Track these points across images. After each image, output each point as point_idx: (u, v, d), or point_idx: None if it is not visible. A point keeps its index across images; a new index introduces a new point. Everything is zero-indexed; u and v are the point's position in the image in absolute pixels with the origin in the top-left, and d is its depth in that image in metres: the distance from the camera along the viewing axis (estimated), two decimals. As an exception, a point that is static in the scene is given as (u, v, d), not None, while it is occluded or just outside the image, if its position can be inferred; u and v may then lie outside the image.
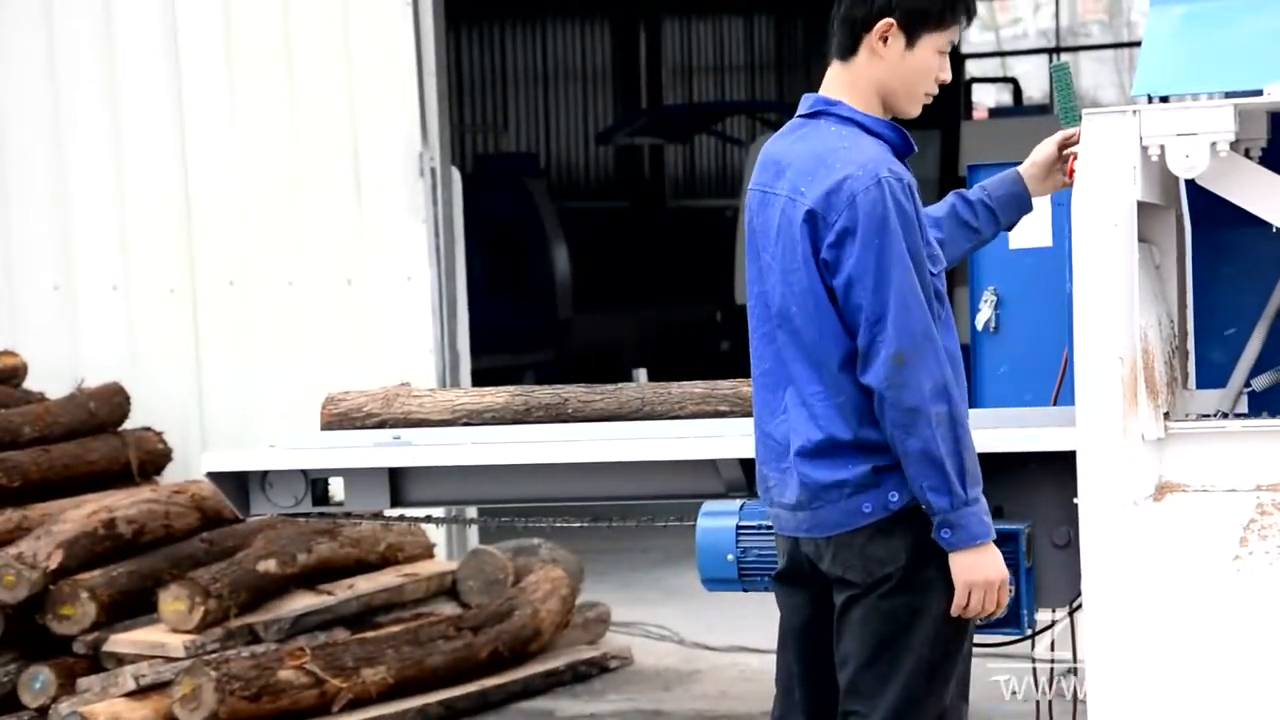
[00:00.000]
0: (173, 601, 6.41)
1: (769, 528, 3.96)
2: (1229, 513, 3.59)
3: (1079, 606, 3.75)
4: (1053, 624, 4.38)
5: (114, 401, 7.52)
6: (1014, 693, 6.34)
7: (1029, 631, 4.00)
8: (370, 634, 6.69)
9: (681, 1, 18.29)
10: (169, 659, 6.34)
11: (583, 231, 15.29)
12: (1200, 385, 4.11)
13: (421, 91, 7.74)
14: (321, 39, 7.81)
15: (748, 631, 7.58)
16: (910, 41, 3.51)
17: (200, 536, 6.88)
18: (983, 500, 3.44)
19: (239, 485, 4.56)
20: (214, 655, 6.28)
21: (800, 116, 3.58)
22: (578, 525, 4.79)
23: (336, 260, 7.94)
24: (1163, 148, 3.62)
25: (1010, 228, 3.96)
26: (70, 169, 8.20)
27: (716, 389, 4.40)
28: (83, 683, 6.37)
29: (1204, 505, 3.62)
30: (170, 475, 7.54)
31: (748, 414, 4.12)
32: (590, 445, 4.29)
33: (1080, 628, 3.71)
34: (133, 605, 6.56)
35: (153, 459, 7.50)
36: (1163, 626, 3.55)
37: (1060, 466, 3.71)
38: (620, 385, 4.51)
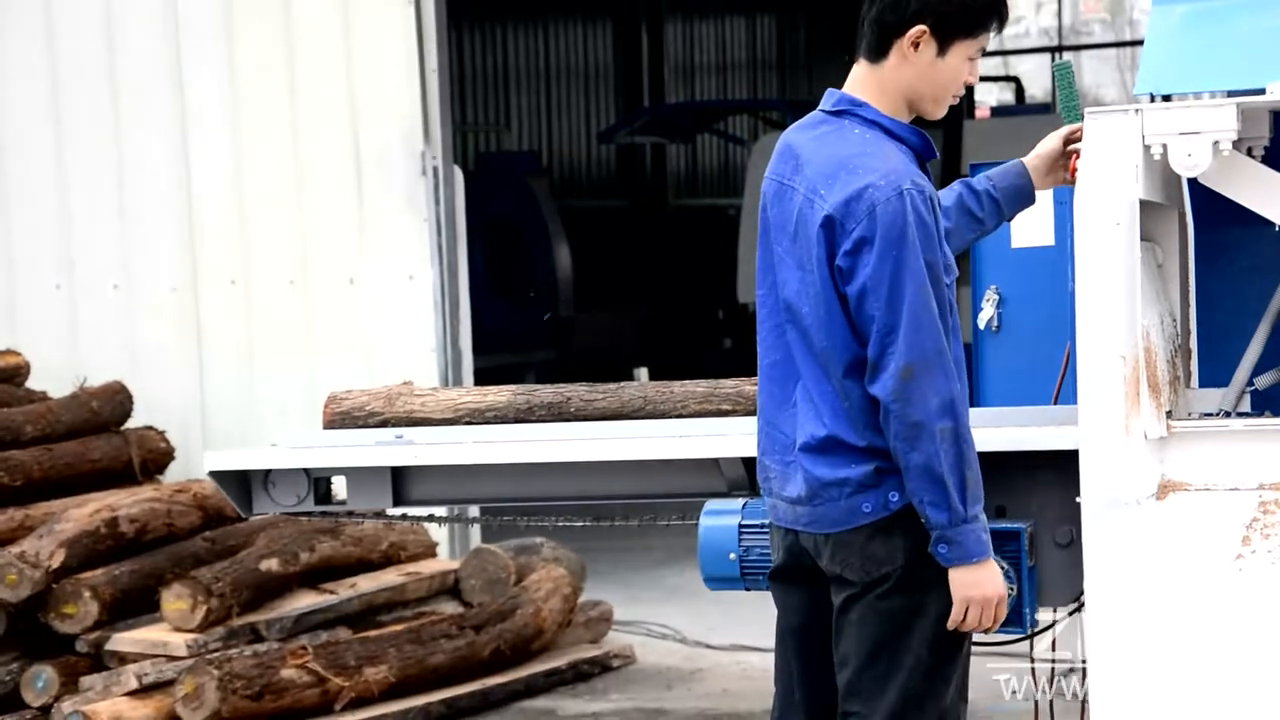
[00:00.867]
0: (175, 600, 6.41)
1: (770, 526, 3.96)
2: (1232, 512, 3.59)
3: (1081, 606, 3.75)
4: (1054, 623, 4.38)
5: (116, 400, 7.52)
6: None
7: (1030, 631, 4.00)
8: (372, 633, 6.69)
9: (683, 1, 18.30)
10: (171, 658, 6.34)
11: (585, 230, 15.29)
12: (1203, 384, 4.10)
13: (424, 90, 7.74)
14: (323, 37, 7.81)
15: (750, 630, 7.59)
16: (942, 49, 3.50)
17: (202, 535, 6.88)
18: (983, 518, 3.44)
19: (241, 484, 4.56)
20: (216, 654, 6.28)
21: (823, 111, 3.56)
22: (580, 524, 4.79)
23: (338, 259, 7.94)
24: (1165, 147, 3.61)
25: (1012, 219, 3.96)
26: (71, 168, 8.21)
27: (719, 388, 4.41)
28: (85, 681, 6.37)
29: (1206, 504, 3.61)
30: (172, 474, 7.55)
31: (750, 413, 4.12)
32: (592, 444, 4.29)
33: (1082, 627, 3.71)
34: (135, 604, 6.57)
35: (155, 458, 7.50)
36: (1165, 626, 3.55)
37: (1062, 465, 3.71)
38: (622, 384, 4.51)
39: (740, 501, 4.12)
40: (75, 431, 7.30)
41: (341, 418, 4.60)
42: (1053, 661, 4.83)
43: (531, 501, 4.52)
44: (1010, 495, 3.90)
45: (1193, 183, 3.83)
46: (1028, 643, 4.35)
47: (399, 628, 6.75)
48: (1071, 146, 3.86)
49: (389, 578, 7.10)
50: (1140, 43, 4.02)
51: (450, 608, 7.14)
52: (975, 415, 4.10)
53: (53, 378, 7.64)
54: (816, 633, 3.58)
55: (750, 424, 3.75)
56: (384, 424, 4.53)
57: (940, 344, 3.39)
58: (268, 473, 4.53)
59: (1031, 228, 4.35)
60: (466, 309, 7.99)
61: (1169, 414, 3.74)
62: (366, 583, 7.01)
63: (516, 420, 4.46)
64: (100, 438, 7.36)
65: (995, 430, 3.92)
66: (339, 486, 4.61)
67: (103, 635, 6.48)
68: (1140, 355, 3.61)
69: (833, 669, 3.54)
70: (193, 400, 8.02)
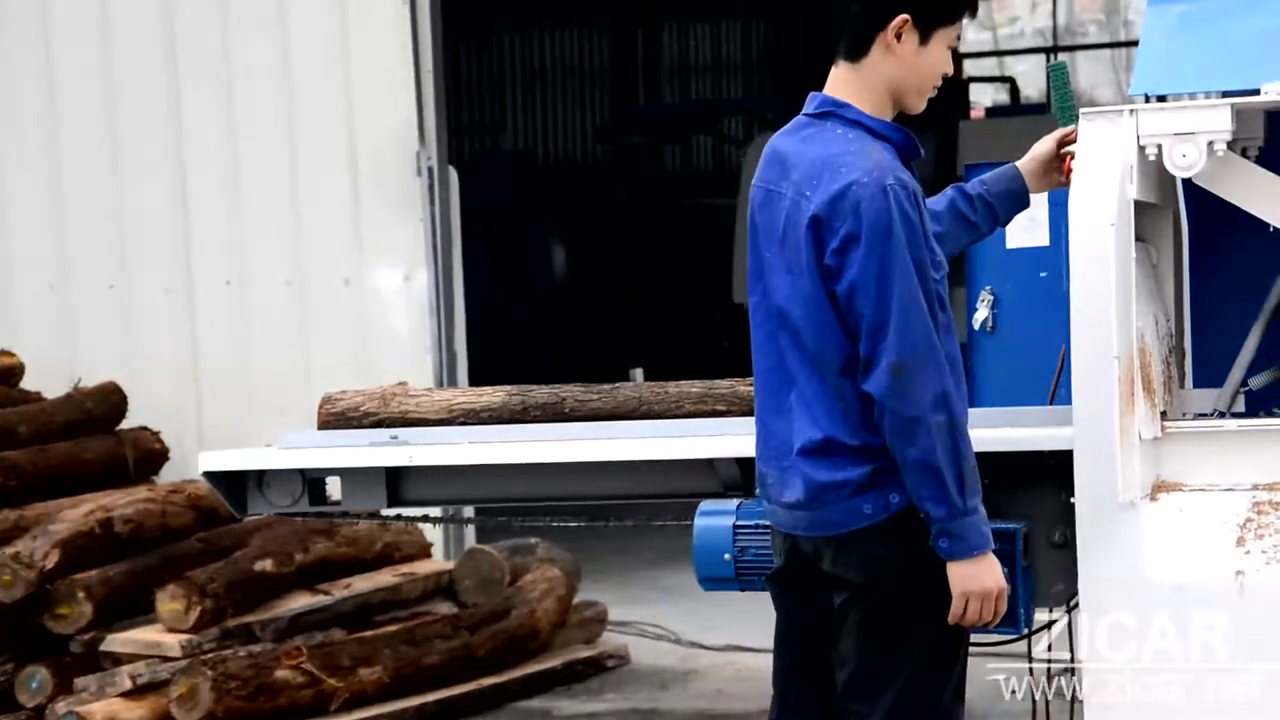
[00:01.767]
0: (169, 601, 6.40)
1: (766, 527, 3.96)
2: (1226, 512, 3.59)
3: (1076, 606, 3.75)
4: (1050, 623, 4.38)
5: (111, 401, 7.51)
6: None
7: (1026, 631, 4.00)
8: (367, 633, 6.68)
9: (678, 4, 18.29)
10: (165, 658, 6.33)
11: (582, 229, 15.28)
12: (1197, 385, 4.11)
13: (419, 91, 7.73)
14: (319, 39, 7.80)
15: (744, 631, 7.58)
16: (924, 38, 3.51)
17: (197, 536, 6.87)
18: (981, 510, 3.44)
19: (236, 485, 4.56)
20: (210, 655, 6.27)
21: (806, 115, 3.57)
22: (574, 524, 4.79)
23: (334, 259, 7.93)
24: (1160, 147, 3.62)
25: (1007, 223, 3.96)
26: (66, 169, 8.20)
27: (714, 388, 4.40)
28: (79, 682, 6.36)
29: (1201, 504, 3.61)
30: (167, 475, 7.54)
31: (745, 413, 4.12)
32: (587, 444, 4.29)
33: (1077, 627, 3.71)
34: (129, 605, 6.56)
35: (149, 458, 7.50)
36: (1159, 626, 3.55)
37: (1058, 466, 3.71)
38: (617, 384, 4.51)
39: (735, 502, 4.12)
40: (70, 432, 7.29)
41: (336, 418, 4.60)
42: (1049, 661, 4.83)
43: (526, 502, 4.52)
44: (1005, 496, 3.90)
45: (1187, 183, 3.84)
46: (1025, 642, 4.35)
47: (394, 628, 6.75)
48: (1065, 149, 3.86)
49: (384, 578, 7.10)
50: (1135, 43, 4.03)
51: (445, 608, 7.13)
52: (971, 415, 4.10)
53: (48, 378, 7.63)
54: (816, 635, 3.58)
55: (745, 424, 3.74)
56: (379, 424, 4.53)
57: (931, 339, 3.39)
58: (262, 473, 4.53)
59: (1026, 229, 4.36)
60: (462, 310, 7.98)
61: (1163, 414, 3.74)
62: (361, 583, 7.00)
63: (511, 420, 4.46)
64: (95, 438, 7.35)
65: (990, 430, 3.92)
66: (333, 487, 4.60)
67: (97, 636, 6.47)
68: (1135, 356, 3.61)
69: (831, 671, 3.54)
70: (188, 401, 8.02)
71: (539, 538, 7.56)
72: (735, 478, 4.18)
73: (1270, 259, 3.83)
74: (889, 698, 3.46)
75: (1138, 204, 3.66)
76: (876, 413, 3.39)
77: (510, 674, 6.92)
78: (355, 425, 4.55)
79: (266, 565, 6.66)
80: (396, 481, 4.49)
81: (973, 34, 21.85)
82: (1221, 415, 3.90)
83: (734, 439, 4.14)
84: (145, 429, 7.57)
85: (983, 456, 3.80)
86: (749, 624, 7.65)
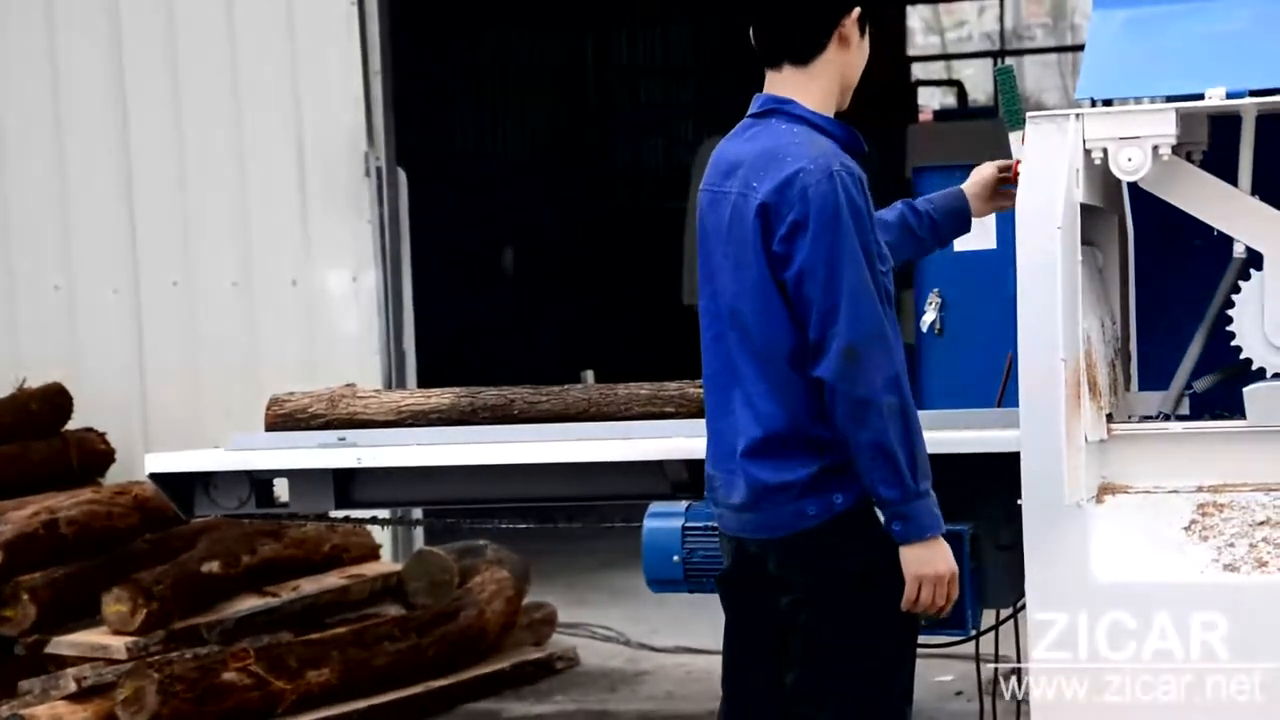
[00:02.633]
0: (115, 603, 6.36)
1: (715, 529, 3.96)
2: (1171, 514, 3.62)
3: (1023, 607, 3.77)
4: (997, 625, 4.40)
5: (56, 402, 7.46)
6: (959, 693, 6.37)
7: (973, 632, 4.02)
8: (315, 635, 6.66)
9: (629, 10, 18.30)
10: (111, 661, 6.30)
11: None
12: (1143, 387, 4.13)
13: (367, 91, 7.72)
14: (266, 38, 7.77)
15: (694, 632, 7.59)
16: (863, 31, 3.59)
17: (143, 537, 6.83)
18: (933, 494, 3.46)
19: (182, 486, 4.54)
20: (157, 657, 6.24)
21: (750, 117, 3.59)
22: (523, 526, 4.79)
23: (281, 260, 7.91)
24: (1105, 151, 3.64)
25: (947, 243, 4.00)
26: (11, 168, 8.15)
27: (663, 390, 4.41)
28: (23, 685, 6.32)
29: (1146, 506, 3.64)
30: (113, 476, 7.50)
31: (694, 415, 4.13)
32: (535, 446, 4.29)
33: (1023, 628, 3.73)
34: (74, 607, 6.52)
35: (95, 460, 7.45)
36: (1106, 627, 3.57)
37: (1005, 468, 3.73)
38: (566, 386, 4.51)
39: (684, 504, 4.12)
40: (14, 433, 7.24)
41: (284, 420, 4.58)
42: (996, 662, 4.85)
43: (475, 504, 4.52)
44: (953, 497, 3.92)
45: (1133, 187, 3.86)
46: (972, 644, 4.37)
47: (342, 630, 6.73)
48: (1004, 175, 3.92)
49: (331, 580, 7.07)
50: (1081, 47, 4.05)
51: (394, 610, 7.11)
52: (919, 417, 4.13)
53: (-8, 379, 7.58)
54: (765, 637, 3.59)
55: (694, 426, 3.75)
56: (327, 426, 4.52)
57: (882, 322, 3.42)
58: (209, 475, 4.51)
59: (974, 232, 4.37)
60: (410, 310, 7.97)
61: (1109, 417, 3.77)
62: (309, 585, 6.98)
63: (460, 422, 4.46)
64: (39, 439, 7.31)
65: (938, 433, 3.94)
66: (281, 489, 4.59)
67: (41, 638, 6.43)
68: (1081, 359, 3.64)
69: (780, 673, 3.55)
70: (134, 402, 7.97)
71: (488, 540, 7.55)
72: (684, 480, 4.18)
73: (1214, 263, 3.86)
74: (837, 700, 3.48)
75: (1084, 207, 3.68)
76: (828, 397, 3.40)
77: (459, 676, 6.91)
78: (303, 427, 4.54)
79: (213, 567, 6.63)
80: (345, 483, 4.48)
81: (921, 38, 21.93)
82: (1166, 418, 3.92)
83: (683, 441, 4.15)
84: (91, 430, 7.53)
85: (931, 458, 3.82)
86: (698, 626, 7.66)
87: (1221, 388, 3.93)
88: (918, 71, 18.85)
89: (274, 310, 7.92)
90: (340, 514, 4.65)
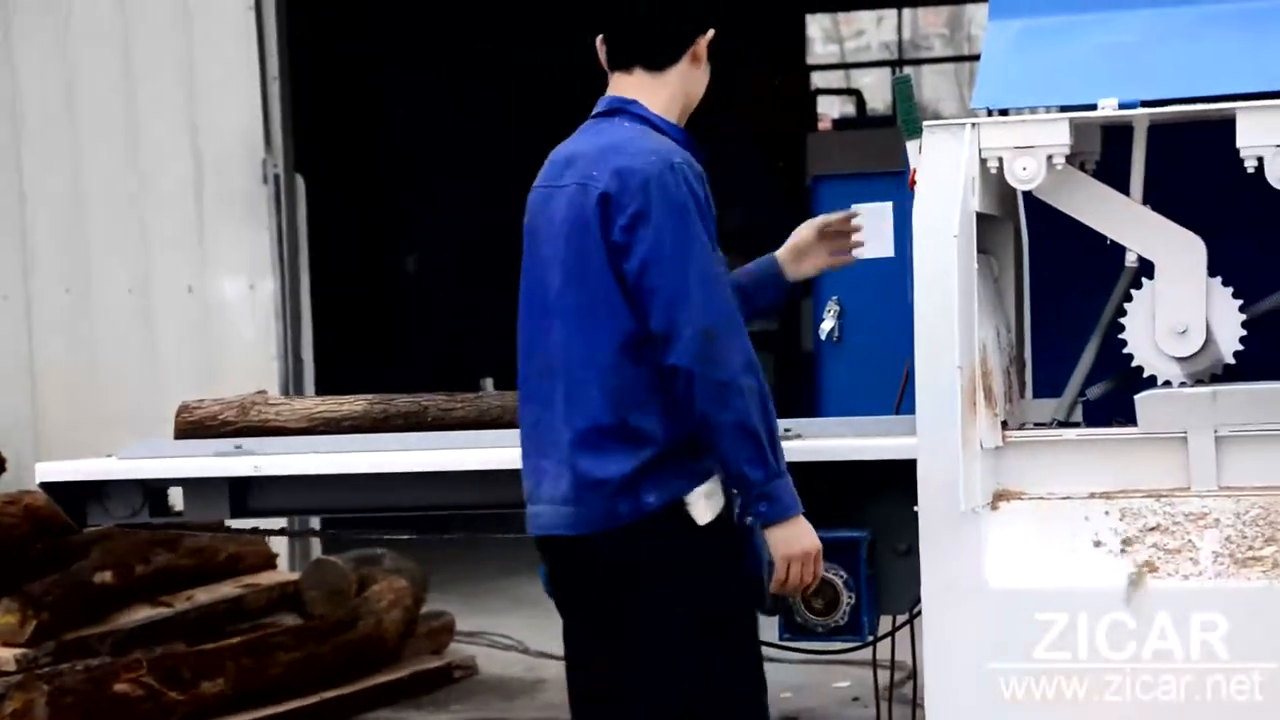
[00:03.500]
0: (4, 614, 6.27)
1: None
2: (1064, 520, 3.65)
3: (919, 613, 3.79)
4: (894, 630, 4.43)
5: (-56, 410, 7.35)
6: (855, 699, 6.41)
7: (870, 638, 4.04)
8: (209, 645, 6.60)
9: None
10: (0, 673, 6.21)
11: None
12: (1037, 395, 4.17)
13: (264, 97, 7.66)
14: (162, 42, 7.70)
15: (593, 640, 7.56)
16: (710, 55, 3.65)
17: (34, 547, 6.74)
18: (789, 475, 3.48)
19: (75, 495, 4.48)
20: (47, 669, 6.15)
21: (594, 117, 3.62)
22: (421, 536, 4.75)
23: (177, 267, 7.84)
24: (1001, 160, 3.67)
25: (768, 313, 4.03)
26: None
27: None
28: (-89, 698, 6.21)
29: (1040, 512, 3.67)
30: (4, 485, 7.39)
31: None
32: (431, 454, 4.26)
33: (920, 634, 3.75)
34: (-36, 618, 6.42)
35: (-14, 469, 7.34)
36: (999, 632, 3.60)
37: (902, 475, 3.75)
38: (480, 393, 4.48)
39: (582, 511, 4.11)
40: (-98, 442, 7.12)
41: (193, 427, 4.52)
42: (893, 668, 4.88)
43: (372, 512, 4.48)
44: (851, 504, 3.94)
45: (1028, 196, 3.90)
46: (868, 650, 4.39)
47: (237, 640, 6.67)
48: (828, 229, 3.99)
49: (227, 589, 7.01)
50: (978, 58, 4.09)
51: (290, 619, 7.06)
52: (817, 424, 4.15)
53: (-122, 387, 7.47)
54: (598, 638, 3.57)
55: None
56: (238, 433, 4.47)
57: (735, 306, 3.45)
58: (102, 484, 4.45)
59: (872, 239, 4.40)
60: (308, 317, 7.92)
61: (1004, 424, 3.80)
62: (204, 595, 6.91)
63: (373, 429, 4.42)
64: (-72, 448, 7.20)
65: (836, 440, 3.96)
66: (176, 497, 4.54)
67: (-70, 650, 6.33)
68: (977, 366, 3.66)
69: (619, 673, 3.53)
70: (24, 410, 7.87)
71: (386, 548, 7.52)
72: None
73: (1107, 271, 3.90)
74: (676, 695, 3.46)
75: (980, 216, 3.71)
76: (682, 384, 3.38)
77: (356, 685, 6.87)
78: (213, 434, 4.48)
79: (106, 577, 6.55)
80: (241, 492, 4.43)
81: (820, 47, 22.06)
82: (1061, 425, 3.96)
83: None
84: (-19, 439, 7.42)
85: (828, 465, 3.84)
86: (597, 633, 7.64)
87: (1114, 395, 3.98)
88: (817, 80, 18.96)
89: (170, 318, 7.85)
90: (236, 523, 4.60)
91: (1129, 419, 3.75)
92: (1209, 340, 3.73)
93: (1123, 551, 3.59)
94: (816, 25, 21.29)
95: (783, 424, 4.12)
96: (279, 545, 7.52)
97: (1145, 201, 3.77)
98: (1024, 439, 3.78)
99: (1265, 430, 3.64)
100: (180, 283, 7.85)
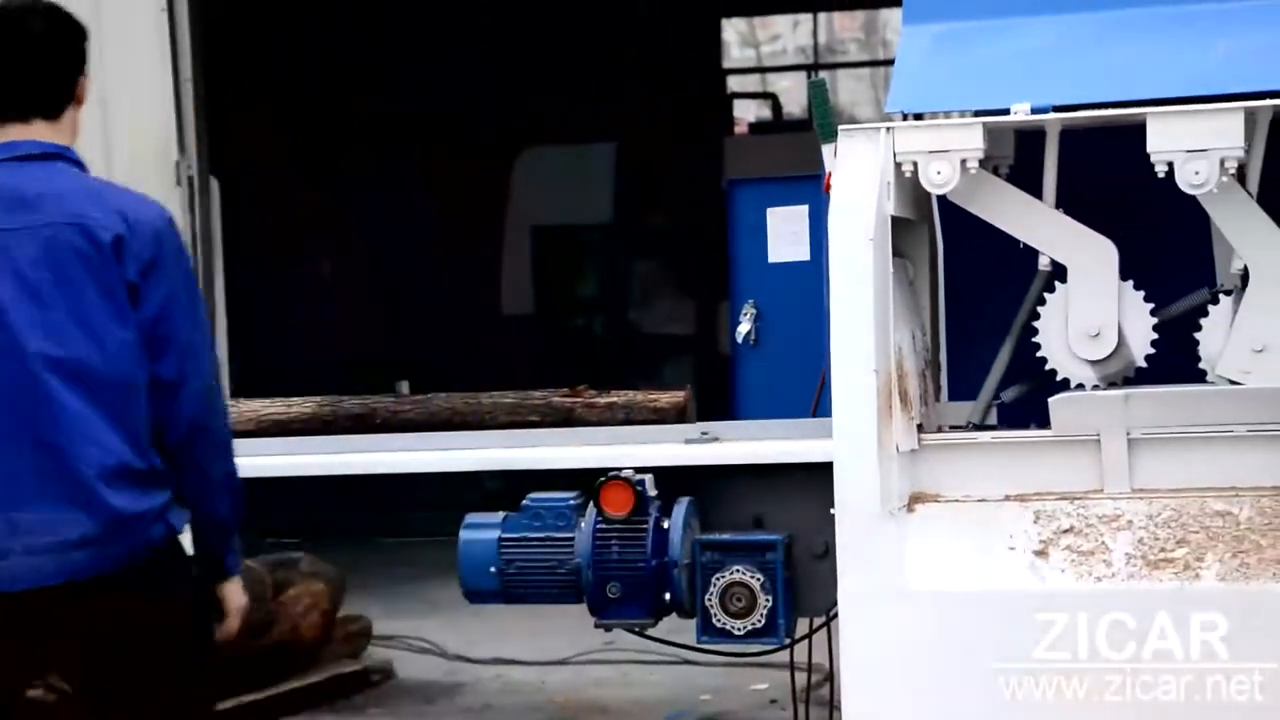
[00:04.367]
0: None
1: (533, 540, 3.97)
2: (979, 522, 3.68)
3: (836, 615, 3.81)
4: (811, 633, 4.44)
5: None
6: (773, 701, 6.43)
7: (788, 641, 4.06)
8: (124, 652, 6.53)
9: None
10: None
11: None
12: (952, 398, 4.20)
13: (178, 99, 7.60)
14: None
15: (511, 644, 7.58)
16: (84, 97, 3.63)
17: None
18: None
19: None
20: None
21: (20, 157, 3.50)
22: (337, 542, 4.73)
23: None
24: (915, 164, 3.69)
25: None
26: None
27: (528, 398, 4.38)
28: None
29: (956, 515, 3.70)
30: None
31: (558, 424, 4.13)
32: (350, 458, 4.25)
33: (837, 636, 3.77)
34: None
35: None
36: (915, 633, 3.62)
37: (818, 477, 3.77)
38: (430, 395, 4.46)
39: (500, 515, 4.11)
40: None
41: None
42: (810, 669, 4.90)
43: (291, 516, 4.46)
44: (768, 506, 3.95)
45: (942, 200, 3.92)
46: (785, 652, 4.41)
47: (152, 646, 6.60)
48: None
49: (142, 595, 6.94)
50: (893, 62, 4.12)
51: (206, 625, 7.00)
52: (735, 427, 4.16)
53: None
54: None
55: (556, 435, 3.71)
56: None
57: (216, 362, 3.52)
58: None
59: (788, 243, 4.42)
60: (223, 320, 7.85)
61: (920, 427, 3.82)
62: (118, 600, 6.84)
63: (322, 431, 4.39)
64: None
65: (753, 443, 3.98)
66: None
67: None
68: (893, 370, 3.68)
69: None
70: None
71: (303, 551, 7.47)
72: (500, 490, 4.17)
73: (1020, 275, 3.93)
74: None
75: (895, 219, 3.73)
76: (185, 432, 3.36)
77: (273, 690, 6.82)
78: None
79: (19, 583, 6.47)
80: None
81: (736, 50, 22.12)
82: (976, 428, 3.99)
83: (499, 452, 4.14)
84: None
85: (746, 468, 3.86)
86: (515, 637, 7.65)
87: (1028, 398, 4.01)
88: (733, 84, 19.01)
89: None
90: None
91: (1043, 422, 3.78)
92: (1121, 343, 3.77)
93: (1038, 553, 3.62)
94: (732, 29, 21.35)
95: (700, 427, 4.14)
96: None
97: (1058, 206, 3.80)
98: (940, 442, 3.80)
99: (1177, 433, 3.68)
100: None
